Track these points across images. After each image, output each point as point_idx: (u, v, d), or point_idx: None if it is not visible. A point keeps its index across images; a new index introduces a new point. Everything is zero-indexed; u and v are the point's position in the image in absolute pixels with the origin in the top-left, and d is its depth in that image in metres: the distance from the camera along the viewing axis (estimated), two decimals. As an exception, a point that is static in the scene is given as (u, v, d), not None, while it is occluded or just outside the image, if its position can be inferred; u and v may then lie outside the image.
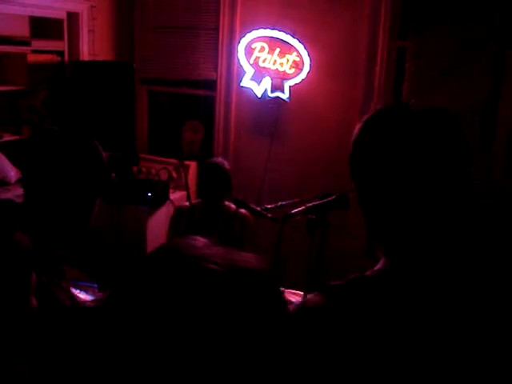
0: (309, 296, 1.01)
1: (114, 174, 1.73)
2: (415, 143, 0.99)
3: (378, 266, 1.00)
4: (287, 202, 2.86)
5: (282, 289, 0.77)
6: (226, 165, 3.41)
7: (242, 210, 3.31)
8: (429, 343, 0.90)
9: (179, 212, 3.52)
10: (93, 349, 0.70)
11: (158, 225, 4.33)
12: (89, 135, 1.56)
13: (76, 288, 1.94)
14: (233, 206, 3.37)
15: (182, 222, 3.42)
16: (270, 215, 3.02)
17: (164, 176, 4.83)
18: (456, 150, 1.00)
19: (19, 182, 3.93)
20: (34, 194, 1.52)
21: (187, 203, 3.56)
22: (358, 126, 1.07)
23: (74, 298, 1.61)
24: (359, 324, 0.91)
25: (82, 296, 1.88)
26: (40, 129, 1.62)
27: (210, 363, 0.66)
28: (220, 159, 3.51)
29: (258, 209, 3.09)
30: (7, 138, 4.13)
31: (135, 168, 4.82)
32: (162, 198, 4.43)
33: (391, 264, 0.99)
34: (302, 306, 1.01)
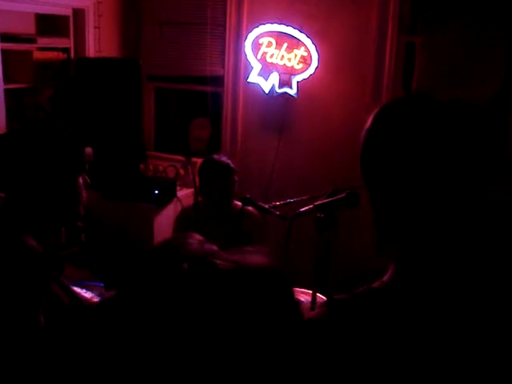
0: (314, 311, 0.97)
1: (90, 149, 1.69)
2: (439, 136, 0.90)
3: (387, 277, 0.95)
4: (296, 198, 2.82)
5: (292, 289, 0.73)
6: (231, 163, 3.36)
7: (249, 208, 3.27)
8: (436, 362, 0.86)
9: (185, 212, 3.48)
10: (95, 347, 0.68)
11: (164, 222, 4.30)
12: (49, 118, 1.54)
13: (82, 287, 1.92)
14: (238, 203, 3.34)
15: (189, 222, 3.38)
16: (278, 213, 2.98)
17: (171, 173, 4.80)
18: (482, 147, 0.91)
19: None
20: (12, 190, 1.50)
21: (192, 203, 3.52)
22: (371, 117, 0.97)
23: (73, 294, 1.58)
24: (363, 341, 0.87)
25: (88, 295, 1.85)
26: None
27: (213, 364, 0.63)
28: (224, 157, 3.44)
29: (266, 206, 3.06)
30: (13, 135, 4.12)
31: (142, 165, 4.80)
32: (169, 196, 4.40)
33: (401, 273, 0.94)
34: (306, 320, 0.98)
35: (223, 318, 0.63)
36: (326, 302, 0.95)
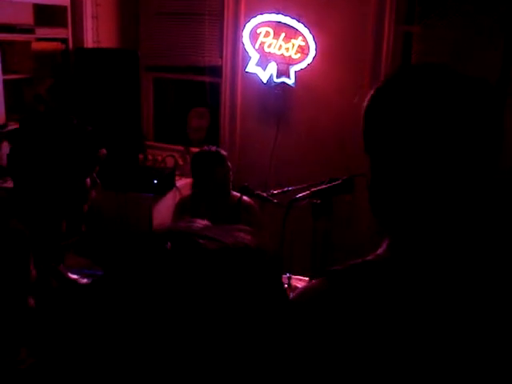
0: (312, 281, 0.99)
1: (104, 150, 1.70)
2: (446, 110, 0.88)
3: (380, 250, 0.97)
4: (294, 187, 2.84)
5: (280, 271, 0.74)
6: (224, 152, 3.36)
7: (246, 198, 3.28)
8: (430, 332, 0.88)
9: (183, 203, 3.50)
10: (84, 325, 0.69)
11: (164, 212, 4.32)
12: (67, 114, 1.54)
13: (82, 276, 1.94)
14: (236, 194, 3.34)
15: (187, 212, 3.39)
16: (275, 201, 3.00)
17: (170, 163, 4.82)
18: (492, 126, 0.90)
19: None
20: (20, 181, 1.51)
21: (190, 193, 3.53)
22: (384, 79, 0.97)
23: (66, 280, 1.59)
24: (361, 308, 0.89)
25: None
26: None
27: (201, 345, 0.63)
28: (215, 147, 3.42)
29: (264, 194, 3.08)
30: (12, 126, 4.12)
31: (141, 155, 4.81)
32: (168, 185, 4.42)
33: (395, 247, 0.95)
34: (304, 290, 1.00)
35: (204, 297, 0.63)
36: (322, 272, 0.95)
